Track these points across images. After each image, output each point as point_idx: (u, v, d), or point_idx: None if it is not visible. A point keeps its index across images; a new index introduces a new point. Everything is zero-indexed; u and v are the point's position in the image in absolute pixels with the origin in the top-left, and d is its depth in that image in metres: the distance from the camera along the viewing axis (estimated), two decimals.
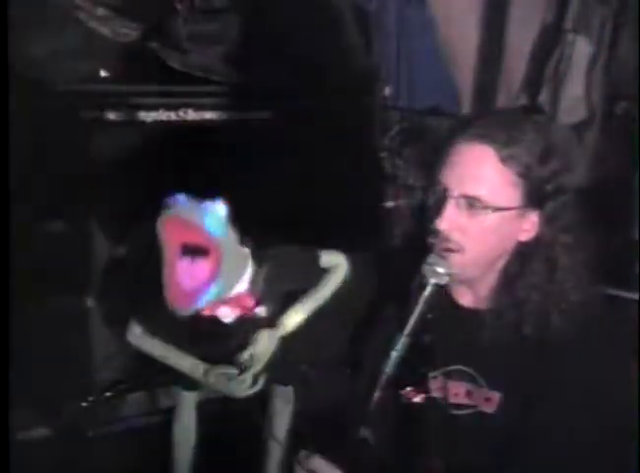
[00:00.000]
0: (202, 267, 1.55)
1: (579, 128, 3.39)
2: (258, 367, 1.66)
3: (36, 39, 3.02)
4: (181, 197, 1.57)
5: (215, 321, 1.64)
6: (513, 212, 1.66)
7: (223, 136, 3.23)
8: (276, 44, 3.34)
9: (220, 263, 1.54)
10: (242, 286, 1.62)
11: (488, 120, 1.69)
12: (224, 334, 1.68)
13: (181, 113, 3.26)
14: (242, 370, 1.63)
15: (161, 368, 3.16)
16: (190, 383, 1.80)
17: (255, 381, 1.65)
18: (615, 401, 1.62)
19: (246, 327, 1.67)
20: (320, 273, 1.81)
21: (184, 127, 3.26)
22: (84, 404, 2.98)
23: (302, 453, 1.57)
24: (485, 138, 1.64)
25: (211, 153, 3.17)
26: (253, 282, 1.65)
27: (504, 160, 1.64)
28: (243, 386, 1.64)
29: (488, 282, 1.73)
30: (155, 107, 3.21)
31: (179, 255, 1.55)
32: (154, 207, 3.25)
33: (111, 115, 3.11)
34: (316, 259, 1.81)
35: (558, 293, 1.67)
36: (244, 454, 2.46)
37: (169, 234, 1.56)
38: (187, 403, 1.85)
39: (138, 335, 1.72)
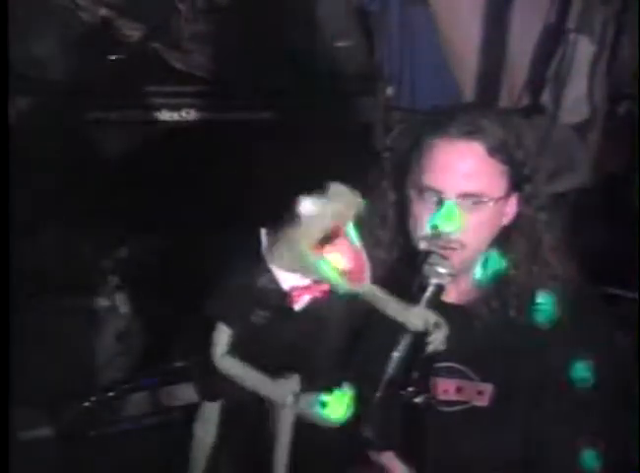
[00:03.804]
0: None
1: (581, 128, 3.39)
2: None
3: (37, 39, 3.02)
4: None
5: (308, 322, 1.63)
6: (503, 199, 1.69)
7: (223, 136, 3.23)
8: (277, 45, 3.34)
9: None
10: None
11: (463, 117, 1.69)
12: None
13: (184, 114, 3.27)
14: None
15: (163, 369, 3.19)
16: (213, 394, 1.78)
17: (349, 404, 1.62)
18: (609, 379, 1.63)
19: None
20: None
21: (186, 127, 3.26)
22: (85, 404, 2.97)
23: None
24: (469, 134, 1.65)
25: (211, 153, 3.18)
26: None
27: (491, 152, 1.66)
28: (340, 411, 1.61)
29: (471, 274, 1.75)
30: (157, 108, 3.22)
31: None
32: (155, 207, 3.26)
33: (113, 116, 3.12)
34: None
35: (543, 270, 1.69)
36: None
37: None
38: (210, 407, 1.83)
39: (223, 355, 1.68)
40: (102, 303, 3.21)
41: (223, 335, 1.66)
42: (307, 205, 1.52)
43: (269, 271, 1.60)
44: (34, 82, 2.96)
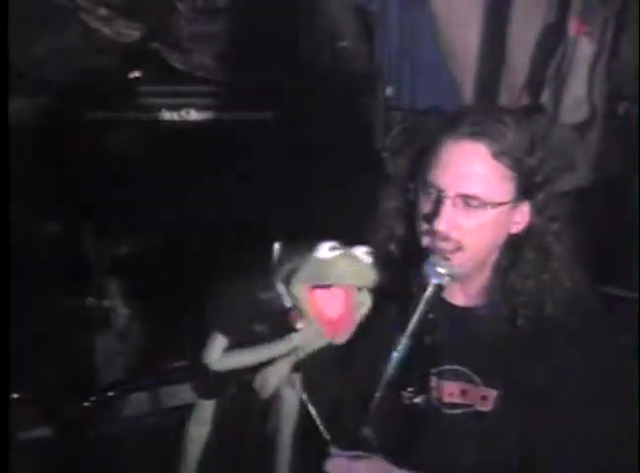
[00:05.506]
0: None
1: (581, 128, 3.39)
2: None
3: (38, 39, 3.02)
4: None
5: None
6: (507, 205, 1.67)
7: (223, 136, 3.24)
8: (277, 44, 3.34)
9: None
10: None
11: (474, 117, 1.68)
12: None
13: (183, 113, 3.27)
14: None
15: (163, 369, 3.19)
16: (209, 392, 1.78)
17: None
18: (614, 391, 1.63)
19: None
20: None
21: (186, 127, 3.27)
22: (85, 404, 2.98)
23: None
24: (475, 135, 1.64)
25: (212, 152, 3.18)
26: None
27: (496, 155, 1.64)
28: None
29: (481, 278, 1.74)
30: (157, 108, 3.22)
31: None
32: (154, 207, 3.26)
33: (113, 116, 3.12)
34: None
35: (552, 281, 1.68)
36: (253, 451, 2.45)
37: None
38: (206, 405, 1.84)
39: (219, 358, 1.70)
40: (102, 303, 3.22)
41: (218, 343, 1.68)
42: (323, 251, 1.56)
43: (274, 286, 1.63)
44: (34, 82, 2.97)
